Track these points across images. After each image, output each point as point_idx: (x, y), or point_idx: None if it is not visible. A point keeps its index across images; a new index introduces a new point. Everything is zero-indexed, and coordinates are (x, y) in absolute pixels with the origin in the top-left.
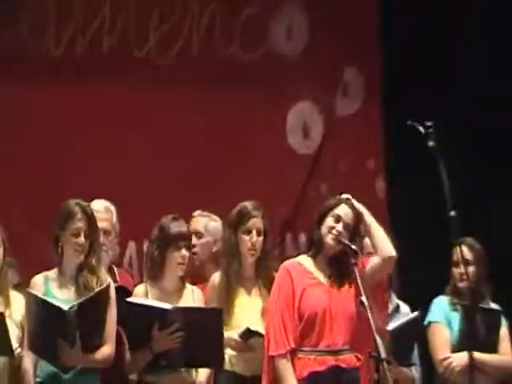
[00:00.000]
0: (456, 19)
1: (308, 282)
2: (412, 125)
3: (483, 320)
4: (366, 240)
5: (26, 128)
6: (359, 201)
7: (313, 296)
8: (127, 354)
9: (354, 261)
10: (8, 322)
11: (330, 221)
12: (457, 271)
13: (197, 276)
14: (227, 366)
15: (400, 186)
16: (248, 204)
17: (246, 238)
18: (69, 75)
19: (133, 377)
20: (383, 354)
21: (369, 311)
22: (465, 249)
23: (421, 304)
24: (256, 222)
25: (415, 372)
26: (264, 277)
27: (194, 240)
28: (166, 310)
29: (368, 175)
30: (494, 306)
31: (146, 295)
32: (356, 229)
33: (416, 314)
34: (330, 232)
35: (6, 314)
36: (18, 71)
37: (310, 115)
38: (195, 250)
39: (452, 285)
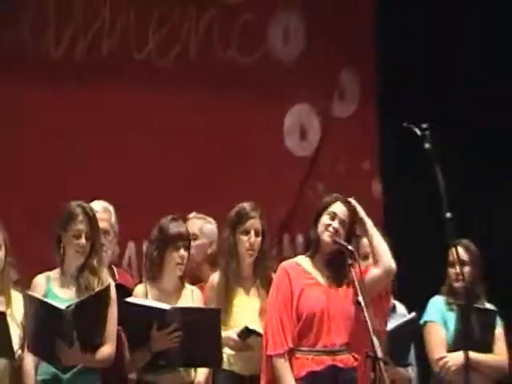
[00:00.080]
0: (454, 21)
1: (306, 282)
2: (408, 127)
3: (478, 320)
4: (364, 240)
5: (26, 128)
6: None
7: (311, 296)
8: (127, 354)
9: (350, 261)
10: (9, 321)
11: (325, 219)
12: (452, 271)
13: (192, 277)
14: (225, 366)
15: (396, 187)
16: (246, 205)
17: (244, 238)
18: (69, 77)
19: (132, 376)
20: (380, 354)
21: (365, 311)
22: (460, 249)
23: (417, 304)
24: (254, 223)
25: (411, 372)
26: (262, 277)
27: None
28: (165, 310)
29: (364, 177)
30: (489, 306)
31: (146, 295)
32: (352, 226)
33: (413, 314)
34: (326, 229)
35: (8, 313)
36: (18, 72)
37: (307, 118)
38: (190, 251)
39: (448, 285)
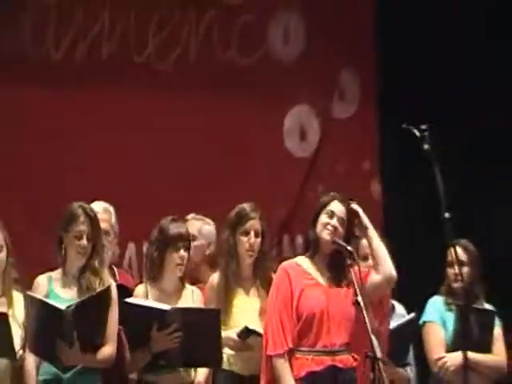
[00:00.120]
0: (454, 21)
1: (306, 282)
2: (407, 128)
3: (477, 320)
4: (363, 241)
5: (27, 129)
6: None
7: (311, 297)
8: (127, 354)
9: (349, 262)
10: (11, 322)
11: (323, 218)
12: (451, 272)
13: (190, 278)
14: (225, 366)
15: (395, 187)
16: (246, 206)
17: (244, 239)
18: (69, 78)
19: (133, 376)
20: (379, 354)
21: (364, 312)
22: (459, 250)
23: (416, 304)
24: (254, 224)
25: (410, 372)
26: (262, 277)
27: None
28: (165, 310)
29: (364, 177)
30: (487, 306)
31: (146, 296)
32: (351, 225)
33: (412, 315)
34: (324, 228)
35: (9, 313)
36: (19, 74)
37: (306, 119)
38: None
39: (447, 285)
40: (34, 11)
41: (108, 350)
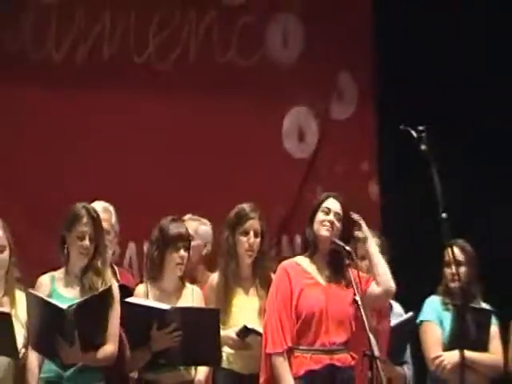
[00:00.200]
0: (453, 21)
1: (306, 282)
2: (405, 129)
3: (474, 319)
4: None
5: (27, 129)
6: (353, 202)
7: (310, 296)
8: (128, 353)
9: (348, 262)
10: (14, 321)
11: (320, 215)
12: (448, 271)
13: (187, 278)
14: (225, 364)
15: (393, 188)
16: (245, 206)
17: (244, 239)
18: (70, 79)
19: (133, 375)
20: (377, 353)
21: (362, 310)
22: (456, 250)
23: (413, 304)
24: (253, 224)
25: (407, 370)
26: (261, 277)
27: None
28: (165, 310)
29: (362, 178)
30: (484, 305)
31: (146, 295)
32: (347, 221)
33: (410, 314)
34: (322, 225)
35: (12, 313)
36: (20, 74)
37: (305, 120)
38: None
39: (444, 285)
40: (35, 12)
41: (109, 349)
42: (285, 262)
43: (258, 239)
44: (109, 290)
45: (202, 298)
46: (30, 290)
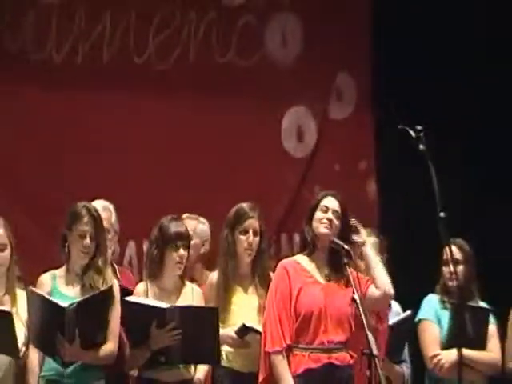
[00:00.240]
0: (452, 24)
1: (305, 280)
2: (403, 129)
3: (472, 318)
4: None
5: (27, 129)
6: (351, 202)
7: (309, 294)
8: (127, 351)
9: (346, 260)
10: (15, 319)
11: (318, 214)
12: (446, 270)
13: (186, 276)
14: (225, 363)
15: (391, 187)
16: (245, 205)
17: (243, 237)
18: (70, 79)
19: (133, 373)
20: (375, 351)
21: (361, 309)
22: (454, 249)
23: (411, 302)
24: (252, 223)
25: (406, 368)
26: (260, 276)
27: None
28: (164, 308)
29: (360, 177)
30: (482, 304)
31: (146, 294)
32: (345, 217)
33: (408, 313)
34: (320, 222)
35: (13, 311)
36: (21, 75)
37: (304, 119)
38: None
39: (442, 283)
40: (35, 12)
41: (109, 348)
42: (284, 261)
43: (257, 238)
44: (110, 290)
45: (202, 296)
46: (31, 288)
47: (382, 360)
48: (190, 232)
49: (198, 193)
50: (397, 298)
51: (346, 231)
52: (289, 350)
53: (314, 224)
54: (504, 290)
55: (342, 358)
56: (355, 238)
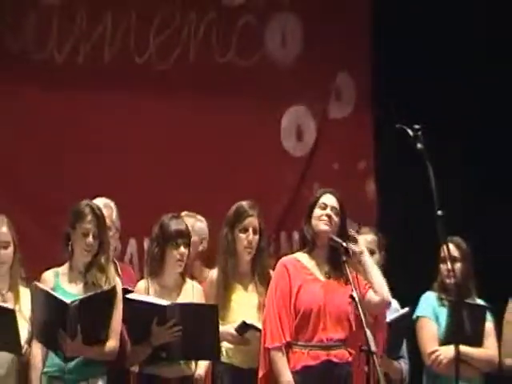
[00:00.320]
0: (451, 24)
1: (305, 277)
2: (401, 128)
3: (469, 315)
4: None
5: (27, 129)
6: (350, 201)
7: (309, 292)
8: (129, 348)
9: (345, 258)
10: (18, 316)
11: (317, 211)
12: (444, 268)
13: (186, 273)
14: (225, 359)
15: (390, 186)
16: (244, 203)
17: (243, 236)
18: (71, 79)
19: (134, 369)
20: (373, 348)
21: (359, 306)
22: (452, 246)
23: (409, 299)
24: (252, 221)
25: (404, 365)
26: (260, 273)
27: None
28: (164, 306)
29: (359, 176)
30: (479, 301)
31: (147, 291)
32: (343, 214)
33: (406, 309)
34: (319, 219)
35: (16, 308)
36: (22, 75)
37: (303, 119)
38: None
39: (439, 281)
40: (37, 12)
41: (111, 344)
42: (284, 258)
43: (257, 236)
44: (113, 289)
45: (203, 293)
46: (36, 283)
47: (380, 356)
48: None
49: (198, 192)
50: (395, 294)
51: (344, 228)
52: (288, 347)
53: (314, 221)
54: (503, 288)
55: (341, 355)
56: (353, 247)
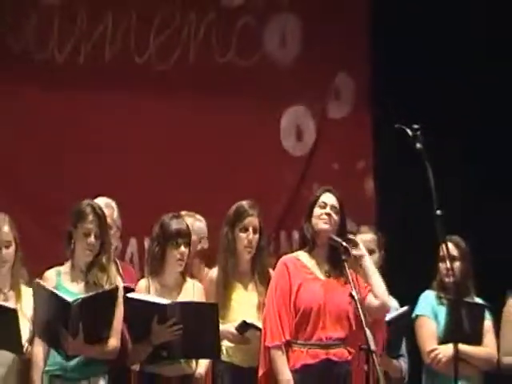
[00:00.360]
0: (450, 25)
1: (305, 276)
2: (400, 127)
3: (468, 313)
4: (358, 236)
5: (28, 129)
6: (349, 200)
7: (309, 290)
8: (129, 346)
9: (344, 257)
10: (19, 315)
11: (317, 210)
12: (443, 267)
13: (186, 272)
14: (225, 357)
15: (389, 185)
16: (244, 203)
17: (243, 235)
18: (72, 79)
19: (135, 367)
20: (373, 347)
21: (359, 304)
22: (450, 245)
23: (408, 298)
24: (252, 220)
25: (403, 363)
26: (260, 273)
27: None
28: (165, 305)
29: (358, 175)
30: (478, 300)
31: (148, 290)
32: (343, 213)
33: (406, 308)
34: (319, 218)
35: (18, 307)
36: (22, 75)
37: (303, 119)
38: None
39: (438, 280)
40: (37, 13)
41: (112, 344)
42: (285, 257)
43: (257, 235)
44: (116, 289)
45: (203, 292)
46: (38, 281)
47: (379, 355)
48: None
49: (197, 191)
50: (394, 293)
51: (344, 226)
52: (288, 346)
53: (314, 221)
54: (502, 287)
55: (340, 354)
56: (354, 251)
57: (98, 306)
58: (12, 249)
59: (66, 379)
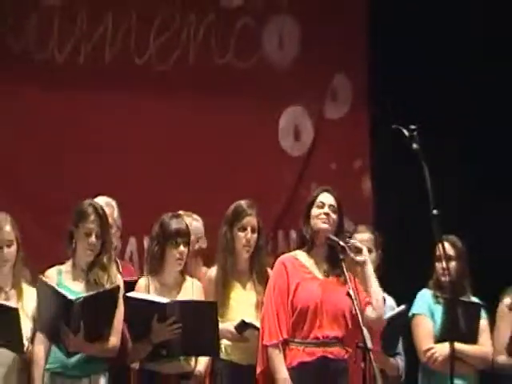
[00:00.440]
0: (448, 26)
1: (303, 276)
2: (397, 128)
3: (464, 312)
4: (357, 235)
5: (28, 129)
6: (347, 199)
7: (307, 289)
8: (129, 345)
9: (342, 256)
10: (21, 314)
11: (315, 210)
12: (439, 266)
13: (185, 271)
14: (224, 355)
15: (386, 185)
16: (243, 202)
17: (241, 234)
18: (72, 79)
19: (135, 366)
20: (369, 345)
21: (355, 303)
22: (447, 245)
23: (405, 297)
24: (251, 220)
25: (400, 361)
26: (258, 272)
27: None
28: (164, 303)
29: (355, 175)
30: (474, 299)
31: (148, 288)
32: (341, 212)
33: (403, 307)
34: (318, 218)
35: (19, 306)
36: (23, 75)
37: (301, 119)
38: None
39: (435, 279)
40: (38, 13)
41: (112, 342)
42: (283, 256)
43: (255, 235)
44: (117, 289)
45: (202, 291)
46: (41, 277)
47: (376, 353)
48: None
49: (197, 191)
50: (391, 292)
51: (342, 226)
52: (285, 344)
53: (312, 220)
54: (498, 287)
55: (337, 352)
56: (358, 257)
57: (99, 304)
58: (14, 248)
59: (66, 376)
